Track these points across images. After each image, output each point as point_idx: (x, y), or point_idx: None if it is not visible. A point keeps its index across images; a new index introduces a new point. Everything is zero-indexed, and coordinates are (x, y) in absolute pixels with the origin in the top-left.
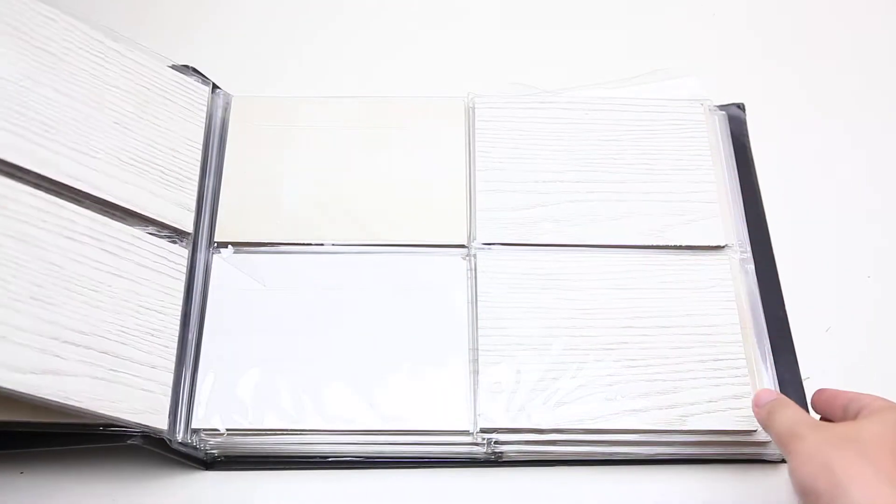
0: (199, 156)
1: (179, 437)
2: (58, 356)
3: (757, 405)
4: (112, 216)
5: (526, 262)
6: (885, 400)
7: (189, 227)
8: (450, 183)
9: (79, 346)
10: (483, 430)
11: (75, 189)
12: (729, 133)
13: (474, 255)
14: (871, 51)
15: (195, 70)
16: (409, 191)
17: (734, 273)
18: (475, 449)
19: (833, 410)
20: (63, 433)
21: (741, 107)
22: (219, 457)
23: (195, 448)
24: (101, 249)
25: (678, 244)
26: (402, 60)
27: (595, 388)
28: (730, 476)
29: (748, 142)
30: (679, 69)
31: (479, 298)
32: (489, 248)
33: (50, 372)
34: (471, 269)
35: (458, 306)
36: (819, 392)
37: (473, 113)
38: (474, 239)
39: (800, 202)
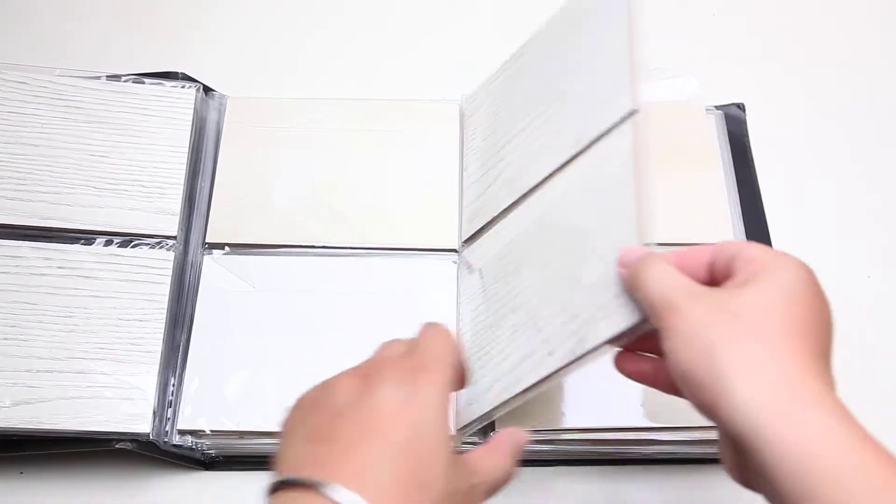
0: (184, 161)
1: (175, 439)
2: (31, 386)
3: (621, 264)
4: (88, 242)
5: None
6: (778, 253)
7: (174, 230)
8: (442, 186)
9: (53, 371)
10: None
11: (47, 227)
12: (726, 132)
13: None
14: (870, 51)
15: (185, 76)
16: (402, 194)
17: None
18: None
19: (717, 267)
20: (56, 439)
21: (741, 107)
22: (218, 457)
23: (191, 449)
24: (77, 276)
25: (683, 242)
26: (398, 63)
27: (588, 387)
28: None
29: (748, 142)
30: (674, 68)
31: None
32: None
33: (22, 402)
34: (461, 273)
35: (448, 310)
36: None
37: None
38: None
39: (800, 202)
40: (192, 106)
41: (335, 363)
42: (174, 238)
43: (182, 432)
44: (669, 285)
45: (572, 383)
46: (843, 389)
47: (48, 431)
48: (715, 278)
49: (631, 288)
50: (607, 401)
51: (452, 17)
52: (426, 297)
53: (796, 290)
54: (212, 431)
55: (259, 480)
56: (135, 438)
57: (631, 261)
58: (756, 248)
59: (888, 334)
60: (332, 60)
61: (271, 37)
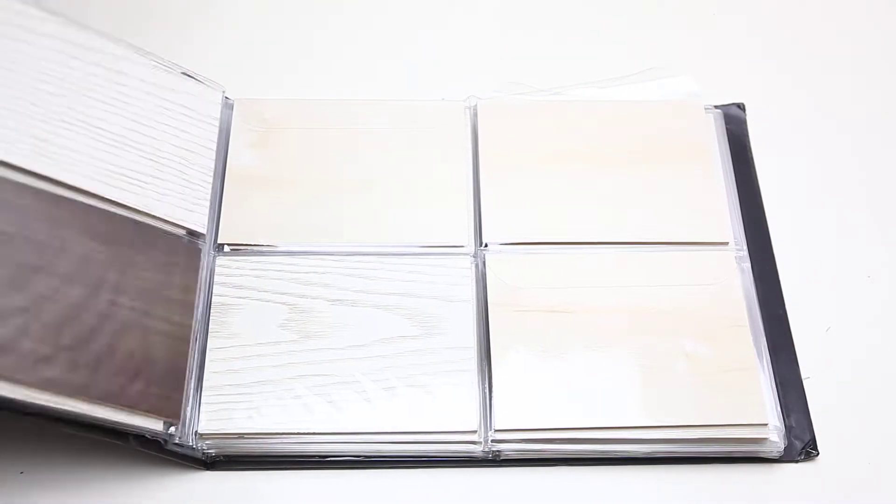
0: (212, 161)
1: (183, 440)
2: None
3: None
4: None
5: (532, 261)
6: None
7: (203, 228)
8: (454, 185)
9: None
10: (497, 431)
11: (89, 192)
12: (724, 131)
13: (481, 257)
14: (870, 51)
15: None
16: (414, 193)
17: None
18: (473, 448)
19: None
20: (74, 421)
21: (741, 107)
22: (218, 456)
23: (192, 449)
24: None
25: (683, 240)
26: (403, 61)
27: (598, 386)
28: (728, 474)
29: (748, 142)
30: (674, 68)
31: (486, 299)
32: (495, 249)
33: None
34: (478, 270)
35: (466, 308)
36: None
37: (476, 115)
38: (480, 240)
39: (800, 202)
40: (220, 106)
41: (351, 363)
42: (203, 236)
43: (200, 435)
44: None
45: (572, 382)
46: (845, 390)
47: (69, 413)
48: None
49: None
50: (608, 400)
51: (454, 17)
52: (443, 295)
53: None
54: (234, 434)
55: (259, 480)
56: (141, 435)
57: None
58: None
59: (889, 334)
60: (332, 61)
61: (276, 38)
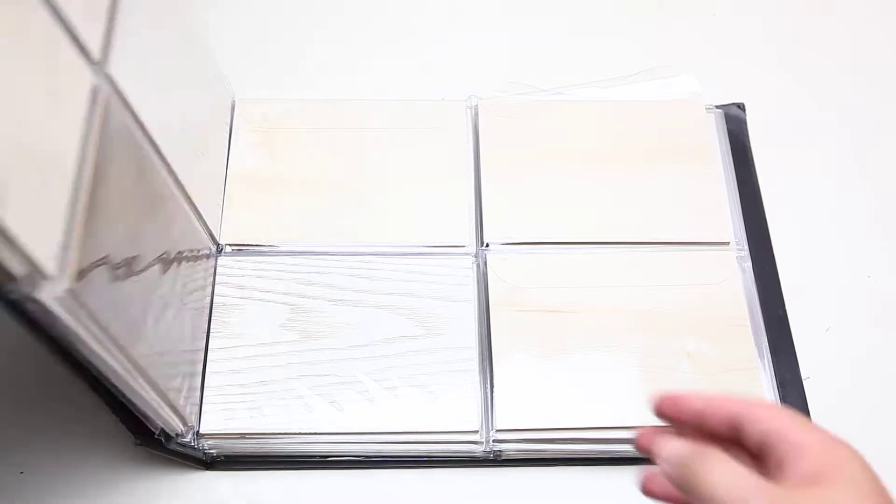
0: (224, 167)
1: (184, 439)
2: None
3: (662, 456)
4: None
5: (533, 261)
6: (833, 442)
7: (218, 234)
8: (455, 185)
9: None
10: (498, 430)
11: (175, 177)
12: (725, 131)
13: (482, 256)
14: (871, 51)
15: None
16: (415, 193)
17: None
18: (475, 448)
19: (713, 426)
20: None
21: (741, 107)
22: (218, 456)
23: (194, 448)
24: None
25: (684, 240)
26: (403, 61)
27: (598, 386)
28: None
29: (748, 141)
30: (675, 68)
31: (487, 299)
32: (496, 249)
33: None
34: (479, 270)
35: (467, 308)
36: (675, 399)
37: (477, 114)
38: (481, 240)
39: (800, 202)
40: (231, 108)
41: (352, 363)
42: (216, 242)
43: (201, 434)
44: (742, 486)
45: (574, 382)
46: (845, 390)
47: (133, 392)
48: (738, 441)
49: (686, 488)
50: (609, 400)
51: (454, 17)
52: (444, 295)
53: (872, 491)
54: (234, 433)
55: (259, 480)
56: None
57: (679, 456)
58: (799, 430)
59: (889, 334)
60: (332, 61)
61: (271, 37)
